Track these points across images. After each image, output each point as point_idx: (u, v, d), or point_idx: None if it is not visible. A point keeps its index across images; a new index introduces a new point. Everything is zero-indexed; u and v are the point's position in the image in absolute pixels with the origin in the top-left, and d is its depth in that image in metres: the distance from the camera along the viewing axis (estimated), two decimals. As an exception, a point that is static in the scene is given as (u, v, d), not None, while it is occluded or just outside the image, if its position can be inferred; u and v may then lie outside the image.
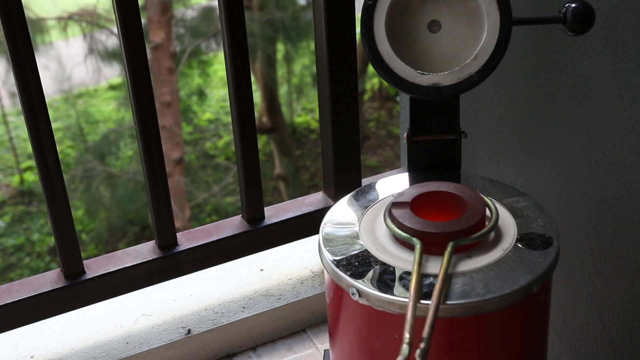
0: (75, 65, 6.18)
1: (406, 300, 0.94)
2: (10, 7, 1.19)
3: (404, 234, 0.99)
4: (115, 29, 5.84)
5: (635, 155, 1.18)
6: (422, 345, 0.85)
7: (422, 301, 0.94)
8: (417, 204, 1.04)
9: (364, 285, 0.96)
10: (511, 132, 1.43)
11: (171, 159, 5.50)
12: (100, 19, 5.91)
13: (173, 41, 5.58)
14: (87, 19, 5.90)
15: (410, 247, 1.01)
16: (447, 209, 1.05)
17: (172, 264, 1.46)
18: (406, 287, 0.95)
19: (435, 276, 0.96)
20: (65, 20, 5.91)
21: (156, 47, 5.38)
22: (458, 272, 0.97)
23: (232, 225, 1.51)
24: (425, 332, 0.86)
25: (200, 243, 1.47)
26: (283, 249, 1.68)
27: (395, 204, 1.02)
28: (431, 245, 0.98)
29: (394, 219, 1.01)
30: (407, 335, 0.86)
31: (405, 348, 0.85)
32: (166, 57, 5.45)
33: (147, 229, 5.77)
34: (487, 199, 1.05)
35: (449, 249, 0.97)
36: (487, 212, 1.05)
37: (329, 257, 1.02)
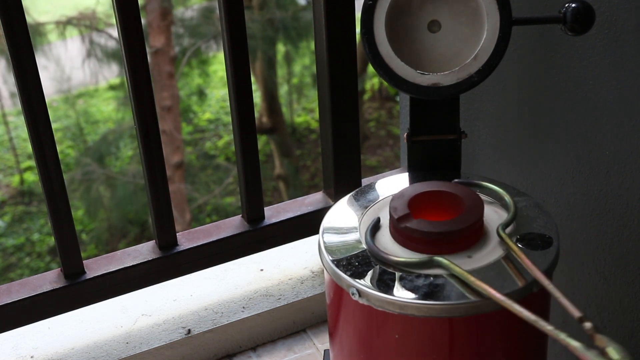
0: (75, 66, 6.19)
1: (406, 300, 0.94)
2: (10, 7, 1.19)
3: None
4: (113, 32, 5.86)
5: (635, 155, 1.18)
6: (587, 323, 0.82)
7: (422, 301, 0.94)
8: (415, 209, 1.04)
9: (364, 285, 0.96)
10: (511, 132, 1.43)
11: (171, 163, 5.50)
12: (99, 22, 5.91)
13: (173, 46, 5.58)
14: (86, 23, 5.90)
15: (412, 247, 1.01)
16: (439, 208, 1.05)
17: (172, 264, 1.46)
18: (406, 287, 0.95)
19: (437, 276, 0.96)
20: (63, 25, 5.92)
21: (156, 51, 5.38)
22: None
23: (232, 225, 1.51)
24: (576, 311, 0.84)
25: (200, 243, 1.47)
26: (283, 249, 1.68)
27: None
28: (446, 244, 0.99)
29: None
30: (578, 314, 0.84)
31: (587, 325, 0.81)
32: (166, 62, 5.45)
33: (147, 229, 5.77)
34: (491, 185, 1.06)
35: (501, 231, 0.99)
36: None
37: (328, 257, 1.02)
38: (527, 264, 0.93)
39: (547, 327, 0.82)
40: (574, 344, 0.79)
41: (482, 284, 0.92)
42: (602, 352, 0.77)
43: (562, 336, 0.80)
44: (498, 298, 0.89)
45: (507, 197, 1.06)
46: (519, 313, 0.87)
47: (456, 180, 1.11)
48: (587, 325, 0.81)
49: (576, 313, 0.83)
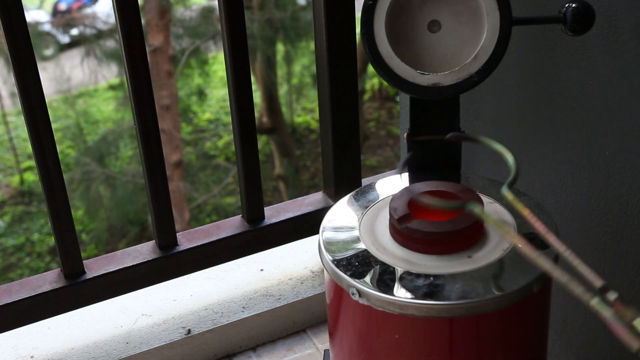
0: (74, 66, 6.19)
1: (406, 300, 0.94)
2: (10, 7, 1.19)
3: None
4: (109, 30, 5.85)
5: (635, 155, 1.18)
6: (611, 293, 0.77)
7: (422, 301, 0.94)
8: (415, 209, 1.03)
9: (364, 285, 0.96)
10: (511, 132, 1.43)
11: (170, 162, 5.51)
12: (97, 22, 5.91)
13: (171, 45, 5.58)
14: (85, 23, 5.91)
15: (412, 247, 1.01)
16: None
17: (172, 264, 1.46)
18: (406, 287, 0.95)
19: (436, 276, 0.96)
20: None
21: (154, 50, 5.38)
22: (458, 272, 0.97)
23: (232, 225, 1.51)
24: (597, 280, 0.78)
25: (200, 243, 1.47)
26: (283, 249, 1.68)
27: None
28: (439, 245, 0.99)
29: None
30: (600, 282, 0.79)
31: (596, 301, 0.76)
32: (165, 61, 5.46)
33: (147, 229, 5.77)
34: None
35: (505, 191, 0.92)
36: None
37: (329, 257, 1.02)
38: (538, 227, 0.86)
39: (577, 291, 0.80)
40: (605, 312, 0.77)
41: (514, 237, 0.88)
42: (629, 325, 0.74)
43: (594, 302, 0.78)
44: (529, 253, 0.85)
45: (508, 156, 1.02)
46: (550, 272, 0.82)
47: (453, 133, 1.09)
48: (611, 295, 0.78)
49: (598, 282, 0.80)
